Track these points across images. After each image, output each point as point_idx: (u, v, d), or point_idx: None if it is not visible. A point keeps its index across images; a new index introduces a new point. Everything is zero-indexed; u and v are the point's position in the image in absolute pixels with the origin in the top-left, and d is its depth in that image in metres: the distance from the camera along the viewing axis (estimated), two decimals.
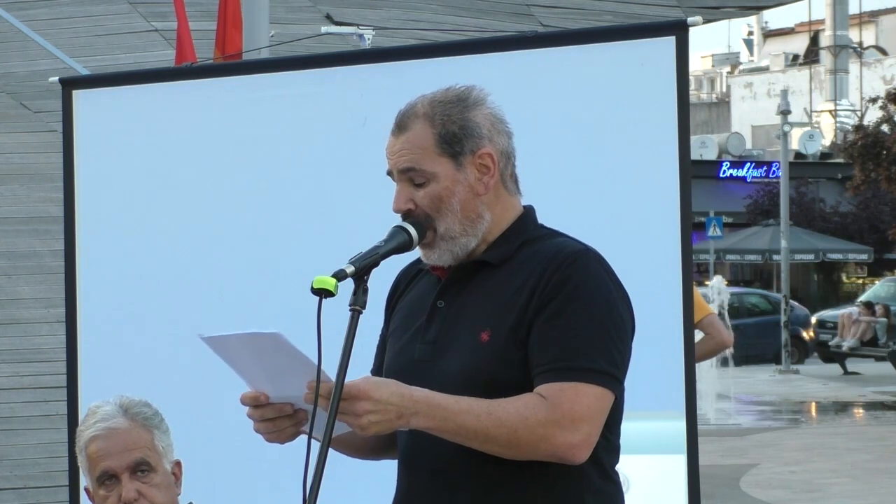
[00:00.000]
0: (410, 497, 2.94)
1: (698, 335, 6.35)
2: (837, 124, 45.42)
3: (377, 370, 3.08)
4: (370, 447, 3.05)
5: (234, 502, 4.81)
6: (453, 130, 2.91)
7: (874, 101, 29.34)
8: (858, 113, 38.24)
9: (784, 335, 26.43)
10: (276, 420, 2.83)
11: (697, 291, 6.11)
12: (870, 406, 20.50)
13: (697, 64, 65.03)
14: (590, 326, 2.81)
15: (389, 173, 2.95)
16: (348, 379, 2.71)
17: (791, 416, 19.29)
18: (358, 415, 2.69)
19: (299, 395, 2.76)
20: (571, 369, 2.78)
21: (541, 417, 2.75)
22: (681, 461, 4.35)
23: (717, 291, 19.32)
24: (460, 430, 2.75)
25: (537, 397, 2.77)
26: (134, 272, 5.10)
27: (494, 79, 4.11)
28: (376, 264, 2.82)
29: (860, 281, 40.20)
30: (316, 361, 2.70)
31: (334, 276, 2.74)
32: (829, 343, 26.70)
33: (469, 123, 2.92)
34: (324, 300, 2.72)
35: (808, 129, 43.86)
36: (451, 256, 2.93)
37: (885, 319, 26.17)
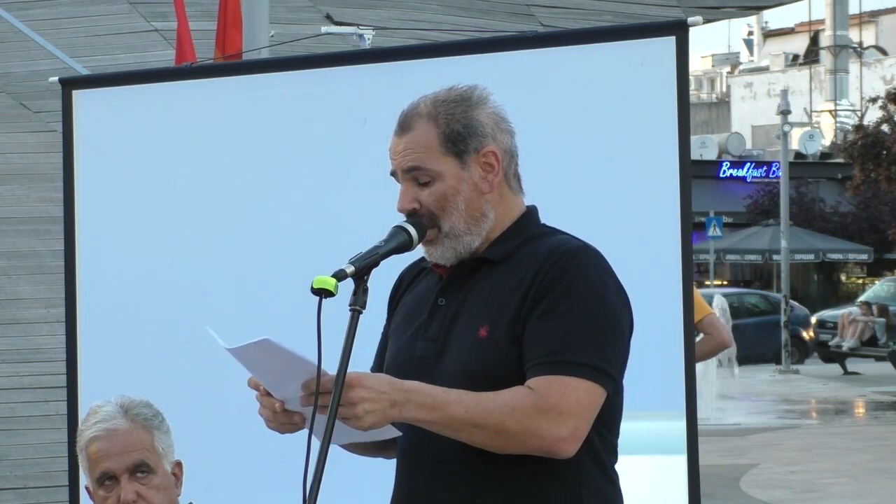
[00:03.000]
0: (409, 494, 2.95)
1: (698, 335, 6.35)
2: (837, 124, 45.40)
3: (377, 368, 3.09)
4: (370, 442, 3.04)
5: (234, 502, 4.81)
6: (457, 129, 2.91)
7: (874, 101, 29.33)
8: (858, 113, 38.23)
9: (784, 335, 26.42)
10: (275, 413, 2.82)
11: (697, 292, 6.11)
12: (870, 406, 20.50)
13: (697, 64, 65.05)
14: (582, 322, 2.81)
15: (393, 173, 2.95)
16: None
17: (791, 416, 19.27)
18: (353, 403, 2.69)
19: (297, 398, 2.76)
20: (560, 363, 2.78)
21: (528, 409, 2.75)
22: (681, 461, 4.34)
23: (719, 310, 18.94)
24: (450, 420, 2.75)
25: (526, 390, 2.78)
26: (134, 272, 5.09)
27: (494, 79, 4.11)
28: (376, 264, 2.82)
29: (860, 281, 40.19)
30: (315, 360, 2.70)
31: (334, 276, 2.74)
32: (829, 343, 26.69)
33: (473, 122, 2.92)
34: (324, 300, 2.71)
35: (808, 129, 43.84)
36: (454, 254, 2.93)
37: (882, 319, 26.15)
